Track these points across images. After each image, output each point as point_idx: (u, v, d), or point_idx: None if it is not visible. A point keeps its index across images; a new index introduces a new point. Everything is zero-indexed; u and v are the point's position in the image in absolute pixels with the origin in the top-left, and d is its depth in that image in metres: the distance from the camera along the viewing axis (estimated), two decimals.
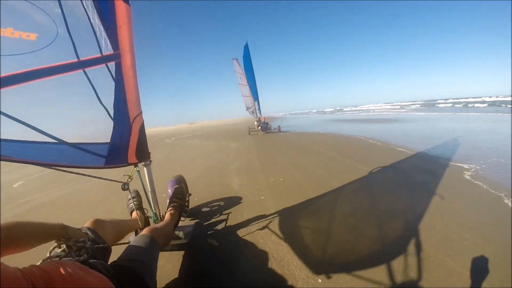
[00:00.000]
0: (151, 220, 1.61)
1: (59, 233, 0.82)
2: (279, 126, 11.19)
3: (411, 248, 1.38)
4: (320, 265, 1.31)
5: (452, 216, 1.68)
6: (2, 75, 1.02)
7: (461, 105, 22.63)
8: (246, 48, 12.81)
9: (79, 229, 1.01)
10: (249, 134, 10.53)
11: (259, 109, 12.96)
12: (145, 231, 1.12)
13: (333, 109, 63.18)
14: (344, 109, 51.90)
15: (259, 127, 10.94)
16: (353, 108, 51.36)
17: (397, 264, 1.27)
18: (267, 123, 11.13)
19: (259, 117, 12.44)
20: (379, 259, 1.31)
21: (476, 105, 20.80)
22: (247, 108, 13.52)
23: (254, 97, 12.89)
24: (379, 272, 1.22)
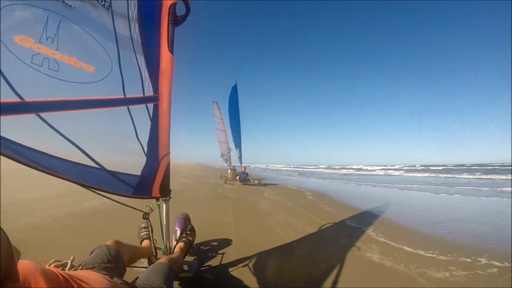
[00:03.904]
0: (159, 251, 1.68)
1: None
2: (259, 179, 9.94)
3: None
4: None
5: None
6: (65, 99, 1.20)
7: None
8: (234, 89, 11.78)
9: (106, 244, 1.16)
10: (225, 183, 9.63)
11: (240, 157, 12.22)
12: (164, 259, 1.27)
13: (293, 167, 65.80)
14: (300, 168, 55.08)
15: (238, 177, 9.98)
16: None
17: None
18: (247, 174, 10.22)
19: (233, 166, 11.70)
20: None
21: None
22: (222, 155, 12.96)
23: (237, 144, 12.15)
24: None
